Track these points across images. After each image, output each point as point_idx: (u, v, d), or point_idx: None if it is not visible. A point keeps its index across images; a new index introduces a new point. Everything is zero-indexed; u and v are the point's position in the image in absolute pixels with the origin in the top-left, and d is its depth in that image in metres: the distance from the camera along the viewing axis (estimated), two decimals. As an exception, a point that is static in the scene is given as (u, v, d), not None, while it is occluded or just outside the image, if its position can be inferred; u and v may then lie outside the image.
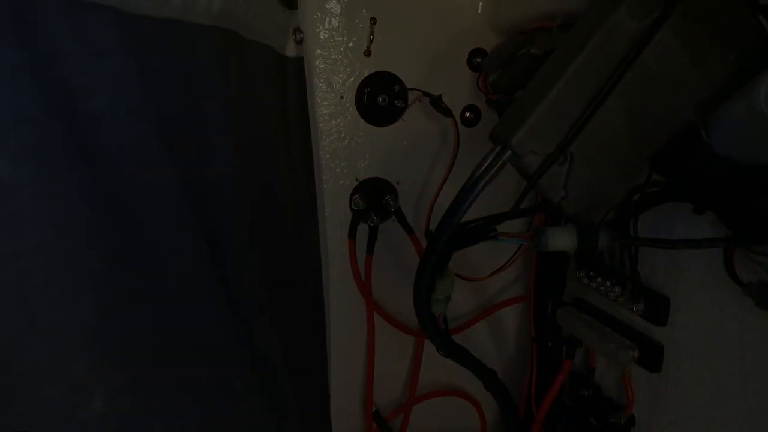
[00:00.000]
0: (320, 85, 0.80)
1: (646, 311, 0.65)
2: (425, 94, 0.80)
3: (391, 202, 0.86)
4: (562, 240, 0.49)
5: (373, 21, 0.79)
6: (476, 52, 0.85)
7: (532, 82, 0.51)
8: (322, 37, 0.78)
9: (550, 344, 0.81)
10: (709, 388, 0.60)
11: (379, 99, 0.82)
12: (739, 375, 0.56)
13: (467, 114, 0.87)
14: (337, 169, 0.84)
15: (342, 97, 0.81)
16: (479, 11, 0.83)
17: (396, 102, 0.83)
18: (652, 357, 0.65)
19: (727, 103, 0.51)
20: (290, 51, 0.75)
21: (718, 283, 0.56)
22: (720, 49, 0.47)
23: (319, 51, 0.79)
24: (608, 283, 0.69)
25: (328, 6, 0.78)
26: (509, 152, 0.48)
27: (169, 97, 0.36)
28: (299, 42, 0.76)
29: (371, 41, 0.80)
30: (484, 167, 0.49)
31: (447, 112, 0.78)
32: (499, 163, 0.49)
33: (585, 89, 0.47)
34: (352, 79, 0.81)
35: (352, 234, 0.85)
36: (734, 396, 0.56)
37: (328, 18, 0.78)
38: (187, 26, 0.35)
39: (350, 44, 0.80)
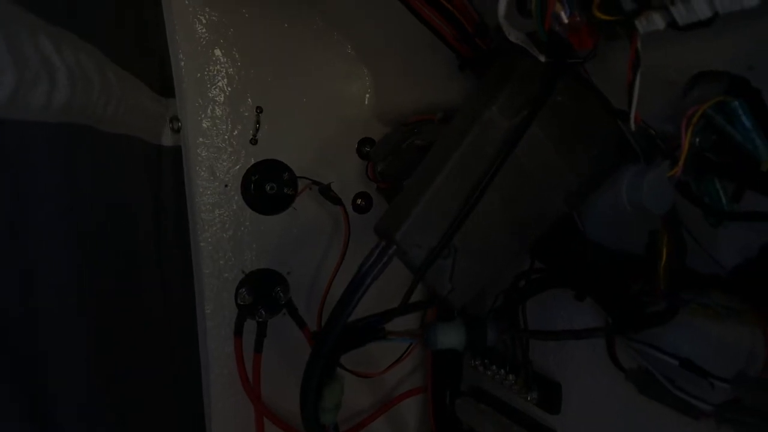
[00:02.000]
0: (202, 173, 0.76)
1: (540, 400, 0.65)
2: (314, 182, 0.79)
3: (282, 294, 0.81)
4: (450, 338, 0.47)
5: (259, 110, 0.78)
6: (365, 141, 0.86)
7: (414, 177, 0.51)
8: (204, 125, 0.76)
9: (450, 438, 0.78)
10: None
11: (267, 187, 0.79)
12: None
13: (359, 201, 0.86)
14: (221, 261, 0.79)
15: (227, 186, 0.78)
16: (366, 102, 0.85)
17: (285, 190, 0.80)
18: (550, 448, 0.64)
19: (594, 195, 0.54)
20: (166, 140, 0.71)
21: (603, 369, 0.57)
22: (584, 145, 0.50)
23: (201, 139, 0.76)
24: (502, 371, 0.69)
25: (210, 94, 0.75)
26: (394, 247, 0.47)
27: None
28: (176, 131, 0.72)
29: (257, 129, 0.78)
30: (370, 262, 0.47)
31: (337, 200, 0.77)
32: (385, 258, 0.47)
33: (463, 184, 0.48)
34: (237, 167, 0.78)
35: (238, 331, 0.78)
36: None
37: (210, 106, 0.76)
38: (16, 125, 0.31)
39: (235, 132, 0.77)
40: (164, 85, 0.69)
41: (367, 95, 0.85)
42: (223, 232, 0.78)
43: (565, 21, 0.35)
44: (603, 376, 0.58)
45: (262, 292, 0.80)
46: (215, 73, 0.75)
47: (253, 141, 0.78)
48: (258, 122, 0.78)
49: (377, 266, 0.47)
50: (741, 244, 0.42)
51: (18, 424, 0.31)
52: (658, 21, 0.33)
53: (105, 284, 0.45)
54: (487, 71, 0.54)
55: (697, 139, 0.37)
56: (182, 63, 0.72)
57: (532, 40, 0.41)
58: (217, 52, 0.75)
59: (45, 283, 0.34)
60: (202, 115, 0.75)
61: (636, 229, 0.50)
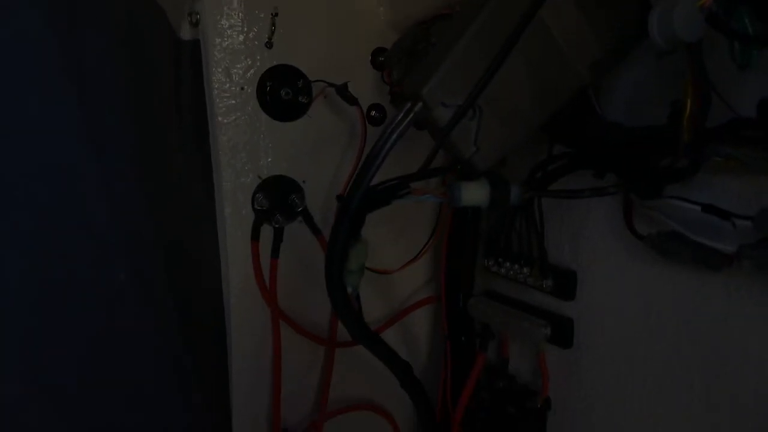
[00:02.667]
0: (218, 75, 0.76)
1: (555, 287, 0.66)
2: (330, 84, 0.79)
3: (297, 202, 0.82)
4: (475, 193, 0.48)
5: (275, 12, 0.78)
6: (379, 51, 0.85)
7: (440, 40, 0.51)
8: (220, 24, 0.75)
9: (463, 339, 0.79)
10: (618, 355, 0.61)
11: (283, 93, 0.79)
12: (645, 335, 0.57)
13: (373, 113, 0.86)
14: (238, 166, 0.79)
15: (242, 89, 0.78)
16: (380, 10, 0.85)
17: (300, 98, 0.80)
18: (563, 333, 0.66)
19: (619, 68, 0.54)
20: (185, 33, 0.70)
21: (619, 247, 0.58)
22: (610, 11, 0.50)
23: (218, 40, 0.75)
24: (516, 266, 0.70)
25: (227, -6, 0.75)
26: (420, 104, 0.47)
27: None
28: (195, 24, 0.72)
29: (273, 32, 0.78)
30: (395, 121, 0.48)
31: (353, 100, 0.77)
32: (411, 116, 0.47)
33: (489, 44, 0.48)
34: (253, 71, 0.78)
35: (255, 236, 0.80)
36: (642, 353, 0.57)
37: (227, 6, 0.75)
38: None
39: (251, 34, 0.77)
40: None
41: (381, 2, 0.84)
42: (239, 137, 0.79)
43: None
44: (618, 253, 0.59)
45: (278, 198, 0.81)
46: (231, -27, 0.74)
47: (269, 44, 0.78)
48: (273, 25, 0.78)
49: (403, 123, 0.47)
50: (765, 92, 0.42)
51: None
52: None
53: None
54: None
55: (730, -34, 0.37)
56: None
57: None
58: (233, -51, 0.74)
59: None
60: (219, 15, 0.75)
61: (658, 101, 0.50)
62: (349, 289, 0.52)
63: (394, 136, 0.47)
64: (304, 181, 0.83)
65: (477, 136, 0.49)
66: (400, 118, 0.48)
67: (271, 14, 0.78)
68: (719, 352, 0.50)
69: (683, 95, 0.45)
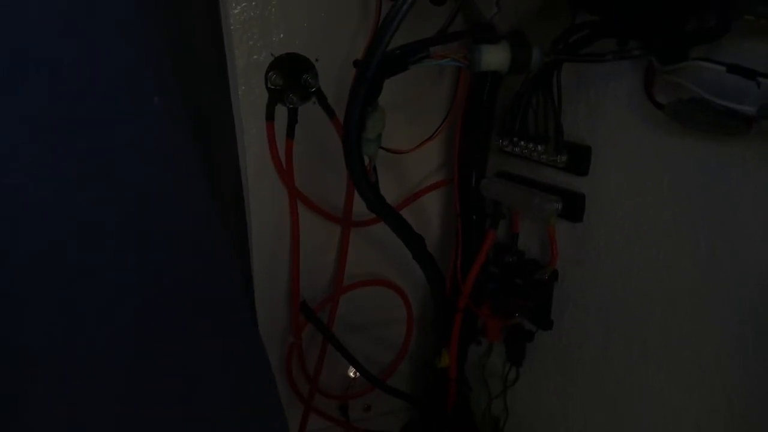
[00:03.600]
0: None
1: (569, 162, 0.67)
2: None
3: (311, 81, 0.81)
4: (496, 56, 0.47)
5: None
6: None
7: None
8: None
9: (474, 217, 0.81)
10: (627, 228, 0.62)
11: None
12: (656, 207, 0.58)
13: (387, -12, 0.82)
14: (250, 42, 0.78)
15: (252, -43, 0.74)
16: None
17: (312, -31, 0.77)
18: (574, 207, 0.67)
19: None
20: None
21: (636, 119, 0.58)
22: None
23: None
24: (531, 144, 0.70)
25: None
26: (441, -42, 0.45)
27: None
28: None
29: None
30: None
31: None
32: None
33: None
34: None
35: (270, 115, 0.80)
36: (650, 222, 0.58)
37: None
38: None
39: None
40: None
41: None
42: (251, 11, 0.76)
43: None
44: (635, 127, 0.59)
45: (292, 77, 0.80)
46: None
47: None
48: None
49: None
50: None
51: None
52: None
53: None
54: None
55: None
56: None
57: None
58: None
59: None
60: None
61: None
62: (366, 159, 0.53)
63: (412, -4, 0.46)
64: (317, 60, 0.81)
65: (499, -5, 0.47)
66: (419, -25, 0.46)
67: None
68: (731, 221, 0.51)
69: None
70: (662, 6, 0.50)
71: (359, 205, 0.72)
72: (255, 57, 0.78)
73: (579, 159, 0.66)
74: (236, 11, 0.75)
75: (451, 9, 0.47)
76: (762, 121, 0.41)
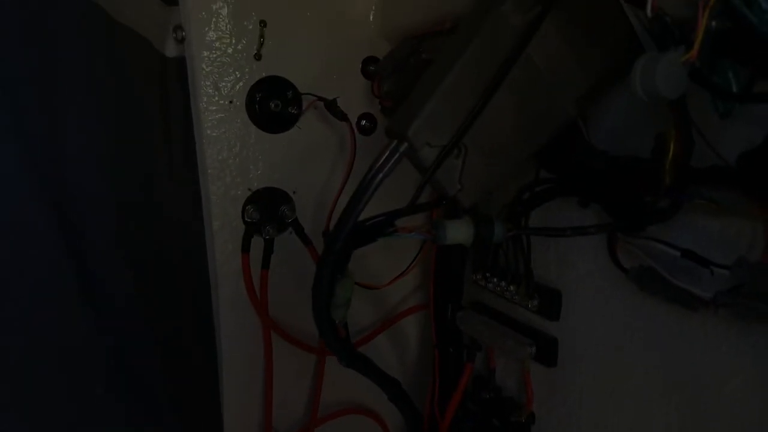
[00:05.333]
0: (207, 89, 0.75)
1: (540, 307, 0.67)
2: (319, 98, 0.78)
3: (288, 213, 0.82)
4: (459, 232, 0.49)
5: (263, 24, 0.76)
6: (370, 60, 0.84)
7: (424, 77, 0.51)
8: (208, 38, 0.74)
9: (451, 350, 0.81)
10: (599, 377, 0.62)
11: (272, 104, 0.78)
12: (624, 361, 0.58)
13: (363, 122, 0.86)
14: (228, 179, 0.79)
15: (231, 102, 0.77)
16: (371, 18, 0.84)
17: (289, 108, 0.80)
18: (548, 352, 0.67)
19: (605, 98, 0.54)
20: (170, 50, 0.70)
21: (604, 274, 0.59)
22: (596, 44, 0.50)
23: (205, 53, 0.74)
24: (503, 283, 0.71)
25: (214, 6, 0.74)
26: (406, 144, 0.47)
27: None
28: (180, 41, 0.71)
29: (261, 44, 0.77)
30: (381, 161, 0.48)
31: (342, 116, 0.77)
32: (396, 156, 0.48)
33: (474, 82, 0.48)
34: (241, 83, 0.77)
35: (245, 248, 0.80)
36: (622, 379, 0.58)
37: (214, 18, 0.74)
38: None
39: (239, 47, 0.76)
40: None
41: (372, 11, 0.83)
42: (229, 150, 0.78)
43: None
44: (603, 280, 0.60)
45: (269, 210, 0.81)
46: (218, -17, 0.73)
47: (258, 56, 0.77)
48: (262, 36, 0.77)
49: (388, 164, 0.48)
50: (747, 137, 0.42)
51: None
52: None
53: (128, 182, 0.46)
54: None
55: (713, 23, 0.37)
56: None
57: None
58: (219, -40, 0.72)
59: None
60: (206, 29, 0.74)
61: (643, 131, 0.50)
62: (336, 321, 0.53)
63: (380, 175, 0.47)
64: (294, 192, 0.83)
65: (462, 173, 0.49)
66: (385, 157, 0.48)
67: (260, 25, 0.77)
68: (695, 382, 0.51)
69: (666, 136, 0.45)
70: (617, 176, 0.53)
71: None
72: (232, 192, 0.80)
73: (550, 303, 0.66)
74: (212, 151, 0.78)
75: (418, 184, 0.49)
76: (719, 308, 0.42)
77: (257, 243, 0.81)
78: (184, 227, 0.75)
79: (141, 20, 0.53)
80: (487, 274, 0.73)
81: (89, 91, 0.36)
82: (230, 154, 0.79)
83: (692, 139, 0.45)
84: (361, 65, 0.84)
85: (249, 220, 0.80)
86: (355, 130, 0.82)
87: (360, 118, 0.85)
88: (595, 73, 0.51)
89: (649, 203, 0.49)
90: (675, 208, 0.46)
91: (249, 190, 0.80)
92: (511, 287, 0.70)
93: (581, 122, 0.56)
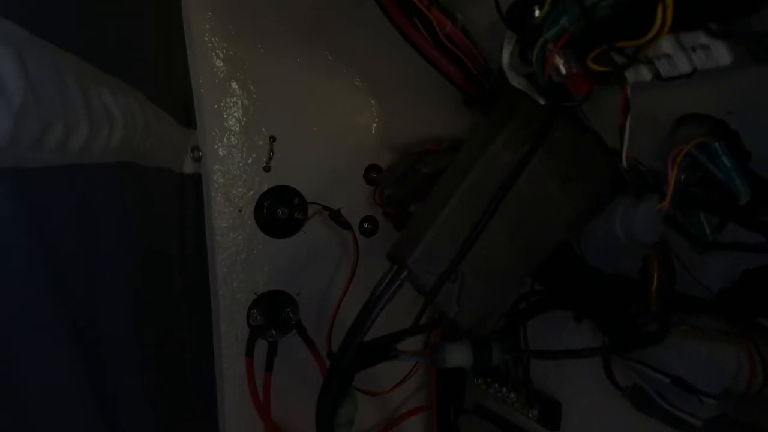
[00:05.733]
0: (218, 198, 0.80)
1: (540, 416, 0.68)
2: (324, 208, 0.82)
3: (292, 315, 0.84)
4: (458, 357, 0.51)
5: (272, 139, 0.82)
6: (372, 168, 0.90)
7: (423, 206, 0.55)
8: (220, 153, 0.80)
9: (454, 455, 0.80)
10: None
11: (279, 212, 0.83)
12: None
13: (365, 225, 0.90)
14: (234, 283, 0.82)
15: (240, 211, 0.81)
16: (373, 131, 0.90)
17: (296, 214, 0.84)
18: (550, 462, 0.67)
19: (591, 223, 0.58)
20: (188, 168, 0.75)
21: (600, 388, 0.60)
22: (581, 178, 0.54)
23: (217, 166, 0.80)
24: (504, 389, 0.72)
25: (226, 124, 0.80)
26: (406, 272, 0.51)
27: (63, 247, 0.34)
28: (197, 160, 0.76)
29: (270, 158, 0.82)
30: (383, 286, 0.51)
31: (346, 225, 0.81)
32: (398, 283, 0.51)
33: (470, 213, 0.52)
34: (251, 193, 0.82)
35: (249, 351, 0.81)
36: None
37: (227, 135, 0.80)
38: (86, 168, 0.35)
39: (249, 160, 0.81)
40: (187, 116, 0.73)
41: (374, 124, 0.89)
42: (236, 255, 0.82)
43: (563, 72, 0.39)
44: (600, 394, 0.61)
45: (273, 312, 0.84)
46: (231, 104, 0.79)
47: (267, 168, 0.82)
48: (271, 150, 0.82)
49: (390, 290, 0.51)
50: (726, 269, 0.45)
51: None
52: (645, 73, 0.38)
53: (147, 302, 0.48)
54: (491, 108, 0.59)
55: (683, 176, 0.41)
56: (203, 95, 0.76)
57: (532, 84, 0.46)
58: (234, 84, 0.79)
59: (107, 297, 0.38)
60: (219, 144, 0.79)
61: (630, 255, 0.53)
62: (339, 437, 0.54)
63: (383, 300, 0.50)
64: (298, 294, 0.86)
65: (459, 297, 0.52)
66: (387, 283, 0.51)
67: (270, 140, 0.82)
68: None
69: (650, 266, 0.48)
70: (608, 295, 0.56)
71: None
72: (238, 296, 0.82)
73: (550, 413, 0.67)
74: (222, 257, 0.81)
75: (419, 307, 0.52)
76: (710, 437, 0.44)
77: (261, 345, 0.83)
78: (195, 335, 0.77)
79: (164, 151, 0.58)
80: (488, 379, 0.74)
81: (122, 237, 0.39)
82: (238, 260, 0.82)
83: (673, 269, 0.48)
84: (363, 172, 0.90)
85: (254, 323, 0.82)
86: (358, 234, 0.86)
87: (362, 220, 0.89)
88: (582, 201, 0.55)
89: (639, 324, 0.52)
90: (663, 333, 0.49)
91: (254, 293, 0.83)
92: (512, 394, 0.71)
93: (574, 241, 0.59)
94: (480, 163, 0.52)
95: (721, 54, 0.32)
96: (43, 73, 0.29)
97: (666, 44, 0.34)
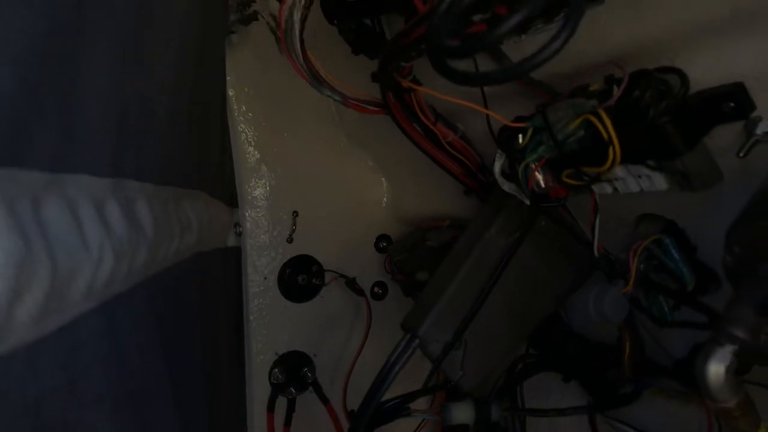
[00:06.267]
0: (247, 269, 0.90)
1: (538, 470, 0.75)
2: (340, 275, 0.92)
3: (309, 374, 0.92)
4: (462, 415, 0.59)
5: (295, 213, 0.93)
6: (382, 237, 1.00)
7: (431, 283, 0.64)
8: (249, 227, 0.90)
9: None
10: None
11: (299, 278, 0.92)
12: None
13: (376, 289, 0.99)
14: (259, 345, 0.91)
15: (266, 278, 0.91)
16: (384, 204, 1.01)
17: (314, 280, 0.93)
18: None
19: (574, 296, 0.67)
20: (231, 242, 0.85)
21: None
22: (565, 260, 0.64)
23: (248, 240, 0.90)
24: (505, 444, 0.79)
25: (257, 202, 0.90)
26: (417, 341, 0.60)
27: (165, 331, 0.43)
28: (239, 234, 0.87)
29: (293, 230, 0.92)
30: (397, 354, 0.60)
31: (360, 292, 0.90)
32: (410, 351, 0.60)
33: (471, 290, 0.61)
34: (275, 262, 0.92)
35: (270, 407, 0.89)
36: None
37: (256, 211, 0.90)
38: (176, 266, 0.44)
39: (275, 233, 0.92)
40: (231, 197, 0.84)
41: (385, 199, 1.00)
42: (261, 319, 0.91)
43: (543, 186, 0.50)
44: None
45: (292, 371, 0.92)
46: (261, 185, 0.90)
47: (289, 240, 0.92)
48: (294, 224, 0.92)
49: (404, 357, 0.59)
50: (685, 340, 0.55)
51: None
52: (607, 188, 0.48)
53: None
54: (488, 197, 0.69)
55: (642, 266, 0.51)
56: (242, 178, 0.88)
57: (520, 187, 0.56)
58: (263, 167, 0.90)
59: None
60: (249, 220, 0.90)
61: (606, 327, 0.63)
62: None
63: (397, 367, 0.59)
64: (315, 354, 0.94)
65: (463, 362, 0.61)
66: (401, 351, 0.60)
67: (293, 215, 0.93)
68: None
69: (622, 338, 0.58)
70: (591, 358, 0.65)
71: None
72: (261, 357, 0.91)
73: (546, 467, 0.74)
74: (248, 321, 0.90)
75: (430, 370, 0.60)
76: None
77: (281, 401, 0.90)
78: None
79: (217, 234, 0.68)
80: (489, 434, 0.82)
81: (198, 321, 0.49)
82: (262, 324, 0.91)
83: (642, 340, 0.57)
84: (375, 241, 1.00)
85: (275, 381, 0.90)
86: (370, 299, 0.95)
87: (374, 285, 0.99)
88: (566, 277, 0.65)
89: (617, 386, 0.60)
90: (636, 394, 0.57)
91: (276, 354, 0.91)
92: (511, 449, 0.78)
93: (562, 311, 0.69)
94: (478, 246, 0.62)
95: (660, 181, 0.43)
96: (158, 207, 0.39)
97: (619, 171, 0.45)
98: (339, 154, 0.96)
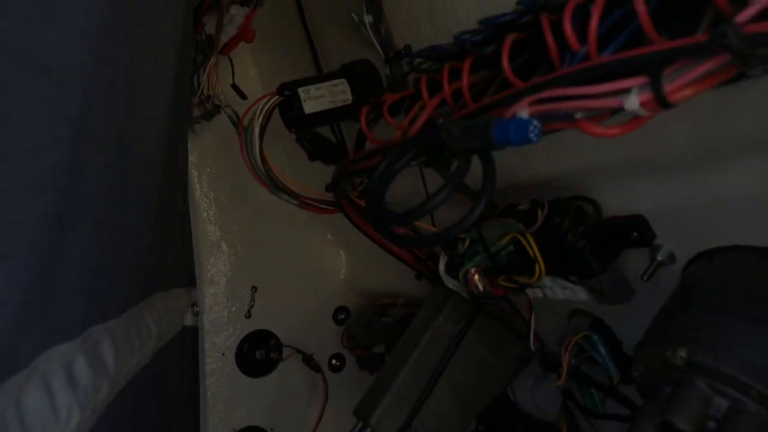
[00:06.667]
0: (205, 345, 0.91)
1: None
2: (298, 351, 0.94)
3: (266, 450, 0.93)
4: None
5: (254, 289, 0.95)
6: (340, 309, 1.02)
7: (382, 371, 0.67)
8: (207, 304, 0.91)
9: None
10: None
11: (257, 353, 0.93)
12: None
13: (334, 361, 1.01)
14: (216, 421, 0.91)
15: (224, 354, 0.92)
16: (342, 276, 1.04)
17: (272, 354, 0.95)
18: None
19: (519, 378, 0.71)
20: (188, 321, 0.86)
21: None
22: (507, 346, 0.68)
23: (205, 316, 0.91)
24: None
25: (215, 279, 0.92)
26: (369, 429, 0.62)
27: None
28: (196, 314, 0.88)
29: (252, 306, 0.94)
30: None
31: (317, 368, 0.92)
32: (362, 439, 0.62)
33: (422, 376, 0.64)
34: (233, 338, 0.93)
35: (226, 485, 0.89)
36: None
37: (214, 289, 0.92)
38: (135, 378, 0.46)
39: (233, 309, 0.93)
40: (189, 278, 0.85)
41: (343, 270, 1.03)
42: (218, 395, 0.91)
43: (481, 289, 0.54)
44: None
45: (249, 449, 0.92)
46: (221, 262, 0.92)
47: (248, 315, 0.94)
48: (252, 300, 0.94)
49: (356, 445, 0.62)
50: (620, 428, 0.59)
51: None
52: (538, 293, 0.53)
53: None
54: (437, 283, 0.73)
55: (573, 360, 0.55)
56: (201, 258, 0.90)
57: (462, 285, 0.61)
58: (223, 245, 0.93)
59: None
60: (207, 296, 0.91)
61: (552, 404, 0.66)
62: None
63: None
64: (272, 429, 0.95)
65: (414, 449, 0.63)
66: (353, 440, 0.62)
67: (251, 290, 0.95)
68: None
69: (560, 423, 0.61)
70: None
71: None
72: (218, 433, 0.91)
73: None
74: (205, 397, 0.90)
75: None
76: None
77: (236, 477, 0.90)
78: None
79: (176, 321, 0.69)
80: None
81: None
82: (219, 399, 0.91)
83: (578, 425, 0.61)
84: (333, 313, 1.02)
85: (231, 459, 0.90)
86: (327, 372, 0.97)
87: (331, 357, 1.01)
88: (509, 362, 0.69)
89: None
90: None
91: (233, 429, 0.91)
92: None
93: (510, 390, 0.72)
94: (427, 334, 0.66)
95: (581, 293, 0.48)
96: (120, 337, 0.41)
97: (547, 281, 0.50)
98: (299, 227, 1.00)
